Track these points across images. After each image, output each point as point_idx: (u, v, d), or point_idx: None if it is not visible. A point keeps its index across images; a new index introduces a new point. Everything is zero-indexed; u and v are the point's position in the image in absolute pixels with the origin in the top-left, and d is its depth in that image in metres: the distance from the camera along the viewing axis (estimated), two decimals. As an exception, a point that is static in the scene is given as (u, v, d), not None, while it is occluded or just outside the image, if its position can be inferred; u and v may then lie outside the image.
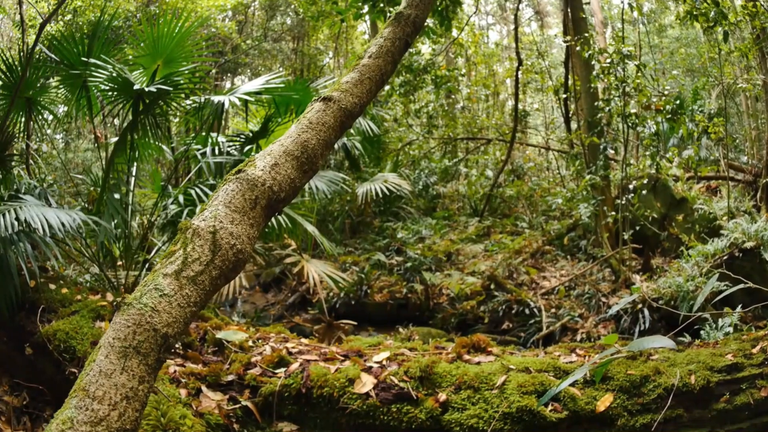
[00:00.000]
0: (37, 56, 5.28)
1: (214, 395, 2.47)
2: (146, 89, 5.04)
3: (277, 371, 2.65)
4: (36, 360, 3.19)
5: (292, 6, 19.45)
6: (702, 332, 6.06)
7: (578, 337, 7.56)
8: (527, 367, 2.65)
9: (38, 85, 5.46)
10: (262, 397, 2.54)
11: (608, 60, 8.81)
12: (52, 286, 3.81)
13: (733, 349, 2.86)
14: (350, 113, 2.36)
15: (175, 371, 2.58)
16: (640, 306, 7.60)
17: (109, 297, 3.55)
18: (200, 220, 1.95)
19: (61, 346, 3.04)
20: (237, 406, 2.47)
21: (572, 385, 2.56)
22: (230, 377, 2.60)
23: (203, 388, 2.50)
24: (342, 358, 2.82)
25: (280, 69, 18.33)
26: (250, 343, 2.93)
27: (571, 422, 2.46)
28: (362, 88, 2.39)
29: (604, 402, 2.50)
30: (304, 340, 3.12)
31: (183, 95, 5.65)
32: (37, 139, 9.72)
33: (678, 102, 9.56)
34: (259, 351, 2.83)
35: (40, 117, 5.88)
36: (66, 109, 5.83)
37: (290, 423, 2.47)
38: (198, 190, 5.76)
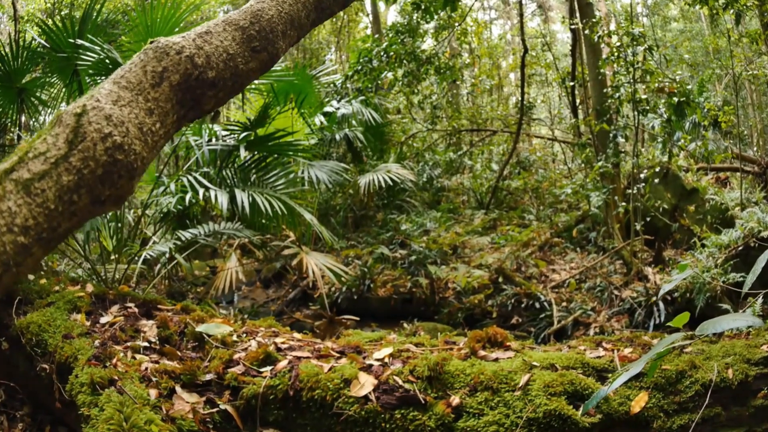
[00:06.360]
0: (29, 48, 5.15)
1: (189, 397, 2.13)
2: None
3: (262, 370, 2.29)
4: (11, 355, 2.91)
5: None
6: (723, 324, 5.78)
7: (591, 332, 7.26)
8: (552, 363, 2.29)
9: (29, 71, 5.32)
10: (244, 400, 2.18)
11: (618, 43, 8.49)
12: (31, 277, 3.55)
13: (767, 339, 2.59)
14: (332, -11, 1.81)
15: (146, 368, 2.24)
16: (654, 299, 7.34)
17: (89, 288, 3.26)
18: (73, 103, 1.36)
19: (33, 339, 2.75)
20: (215, 409, 2.12)
21: (603, 383, 2.24)
22: (208, 376, 2.24)
23: (177, 388, 2.15)
24: (337, 355, 2.46)
25: (282, 63, 18.16)
26: (235, 337, 2.58)
27: (604, 426, 2.11)
28: (348, -36, 1.91)
29: (639, 402, 2.18)
30: (296, 335, 2.77)
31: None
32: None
33: (689, 87, 9.28)
34: (244, 347, 2.48)
35: (38, 115, 5.76)
36: (63, 103, 5.70)
37: (276, 430, 2.13)
38: (191, 178, 5.51)
